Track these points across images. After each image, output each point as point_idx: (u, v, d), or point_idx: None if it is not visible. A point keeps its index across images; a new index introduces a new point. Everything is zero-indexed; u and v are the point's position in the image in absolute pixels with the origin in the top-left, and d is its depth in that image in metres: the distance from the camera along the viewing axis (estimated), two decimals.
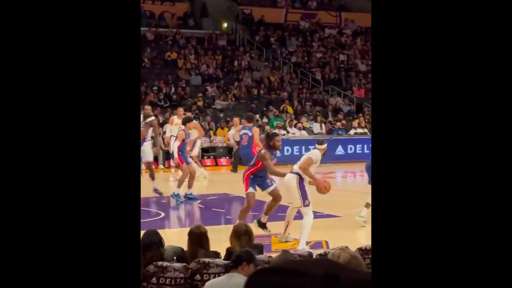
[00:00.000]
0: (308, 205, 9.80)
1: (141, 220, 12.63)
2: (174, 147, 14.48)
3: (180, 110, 18.24)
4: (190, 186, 14.44)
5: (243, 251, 5.61)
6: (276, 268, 1.40)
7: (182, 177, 14.34)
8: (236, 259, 5.44)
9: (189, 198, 14.42)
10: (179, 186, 14.21)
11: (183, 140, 14.36)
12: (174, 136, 16.98)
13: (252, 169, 10.68)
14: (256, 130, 15.62)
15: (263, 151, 10.51)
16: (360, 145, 23.18)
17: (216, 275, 5.90)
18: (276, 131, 23.03)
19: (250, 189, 10.73)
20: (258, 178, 10.77)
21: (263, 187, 10.85)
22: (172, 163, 17.38)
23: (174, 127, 17.51)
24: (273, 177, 10.82)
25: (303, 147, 21.90)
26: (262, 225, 10.79)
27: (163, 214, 12.72)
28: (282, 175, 10.36)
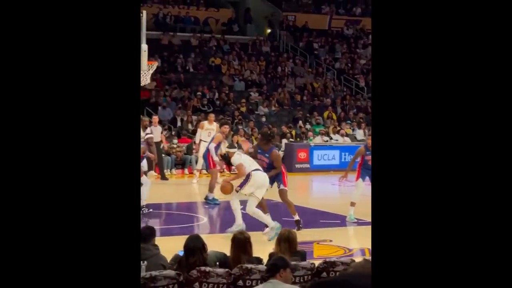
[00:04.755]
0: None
1: (184, 225, 12.69)
2: (212, 149, 14.68)
3: (211, 116, 18.57)
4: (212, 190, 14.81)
5: (276, 259, 5.59)
6: (335, 282, 1.40)
7: (212, 181, 14.63)
8: (272, 268, 5.44)
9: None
10: (211, 190, 14.41)
11: (220, 143, 14.56)
12: (204, 141, 17.37)
13: None
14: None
15: None
16: None
17: (259, 281, 5.90)
18: (319, 138, 23.04)
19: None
20: None
21: None
22: (200, 166, 17.94)
23: (204, 132, 17.79)
24: None
25: (347, 153, 21.83)
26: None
27: (205, 219, 12.75)
28: None
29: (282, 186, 11.78)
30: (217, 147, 14.79)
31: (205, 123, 18.13)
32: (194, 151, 20.40)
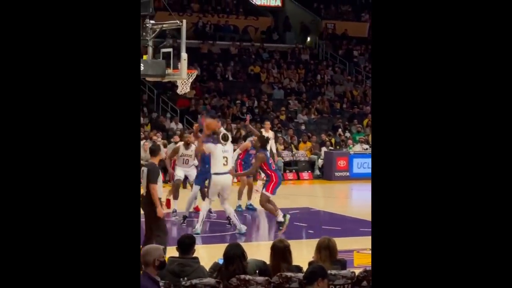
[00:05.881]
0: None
1: (223, 234, 12.68)
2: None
3: (267, 123, 18.59)
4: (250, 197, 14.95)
5: (315, 267, 5.57)
6: None
7: (241, 188, 14.84)
8: (310, 276, 5.41)
9: (249, 209, 14.96)
10: (249, 197, 14.76)
11: (247, 151, 14.57)
12: None
13: None
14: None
15: None
16: None
17: None
18: (359, 146, 22.94)
19: None
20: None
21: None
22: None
23: None
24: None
25: None
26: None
27: (245, 227, 12.75)
28: None
29: (263, 190, 12.42)
30: (246, 155, 14.81)
31: (262, 131, 18.22)
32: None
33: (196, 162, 13.94)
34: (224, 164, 11.98)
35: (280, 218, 12.27)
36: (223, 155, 12.00)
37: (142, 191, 9.25)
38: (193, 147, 14.01)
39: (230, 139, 12.34)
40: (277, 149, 21.43)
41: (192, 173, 14.04)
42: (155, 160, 9.61)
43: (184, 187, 15.45)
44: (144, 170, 9.33)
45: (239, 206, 14.59)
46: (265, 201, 12.32)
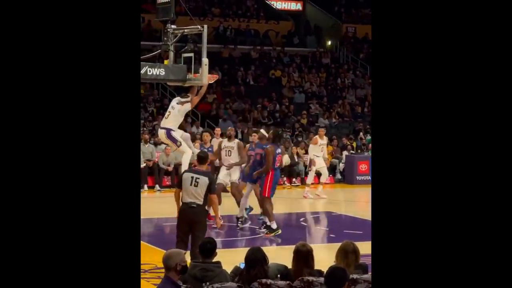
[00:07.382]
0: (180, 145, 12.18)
1: (245, 238, 12.64)
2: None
3: (322, 130, 18.59)
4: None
5: (337, 273, 5.54)
6: None
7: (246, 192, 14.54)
8: (336, 283, 5.40)
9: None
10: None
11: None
12: (317, 156, 17.90)
13: None
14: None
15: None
16: None
17: None
18: None
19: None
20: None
21: None
22: (323, 179, 18.62)
23: (317, 147, 17.81)
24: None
25: None
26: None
27: (266, 231, 12.77)
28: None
29: (261, 192, 12.33)
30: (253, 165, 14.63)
31: (317, 138, 18.19)
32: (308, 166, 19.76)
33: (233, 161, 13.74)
34: (165, 117, 12.25)
35: (274, 225, 12.33)
36: (169, 110, 12.28)
37: (192, 199, 8.74)
38: (236, 140, 13.99)
39: (182, 99, 12.15)
40: (298, 153, 21.43)
41: (234, 172, 13.81)
42: (205, 168, 9.24)
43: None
44: (201, 178, 8.75)
45: (249, 208, 14.25)
46: (266, 202, 12.31)
